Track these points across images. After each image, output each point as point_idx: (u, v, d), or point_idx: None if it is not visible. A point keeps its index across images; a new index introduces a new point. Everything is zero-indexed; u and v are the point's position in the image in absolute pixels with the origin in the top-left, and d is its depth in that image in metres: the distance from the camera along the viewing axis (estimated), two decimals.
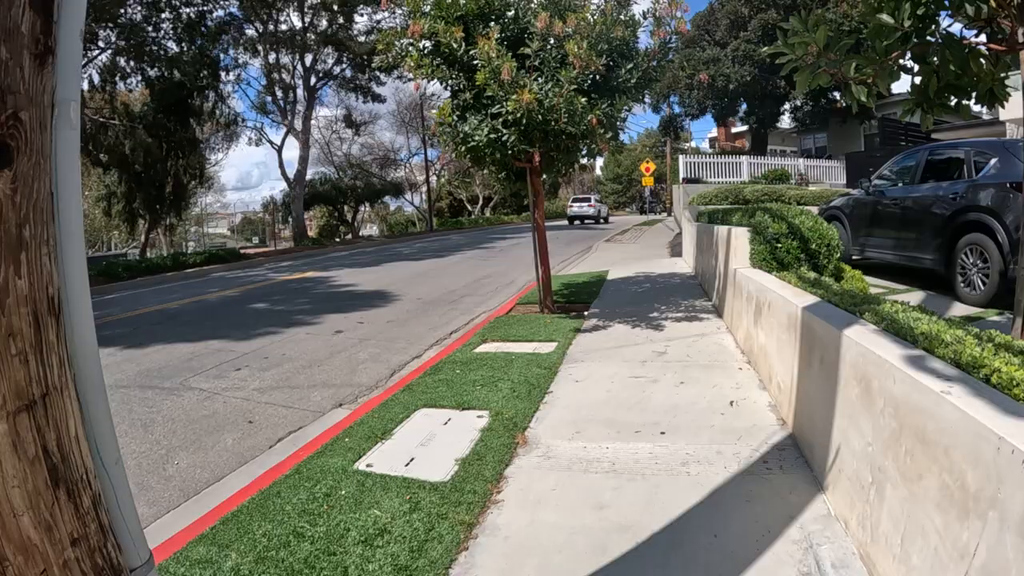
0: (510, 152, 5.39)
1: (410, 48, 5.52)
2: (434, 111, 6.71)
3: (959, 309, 5.80)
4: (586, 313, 6.28)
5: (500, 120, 5.23)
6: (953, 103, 2.94)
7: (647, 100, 6.02)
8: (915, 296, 6.56)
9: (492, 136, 5.25)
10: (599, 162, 60.75)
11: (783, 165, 20.11)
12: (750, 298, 4.14)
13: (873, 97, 2.85)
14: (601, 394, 3.66)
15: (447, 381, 4.09)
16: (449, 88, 5.70)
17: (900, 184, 7.46)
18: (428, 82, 5.65)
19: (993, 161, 6.18)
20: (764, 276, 4.13)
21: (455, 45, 5.25)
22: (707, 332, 5.05)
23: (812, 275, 3.85)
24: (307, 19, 24.57)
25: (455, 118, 5.55)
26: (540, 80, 5.10)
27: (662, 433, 3.01)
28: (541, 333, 5.41)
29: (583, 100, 4.98)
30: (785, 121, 28.08)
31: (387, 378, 4.70)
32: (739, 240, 4.85)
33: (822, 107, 24.01)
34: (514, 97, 4.93)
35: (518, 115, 4.97)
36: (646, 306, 6.35)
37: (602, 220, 30.02)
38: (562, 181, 50.42)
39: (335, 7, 24.15)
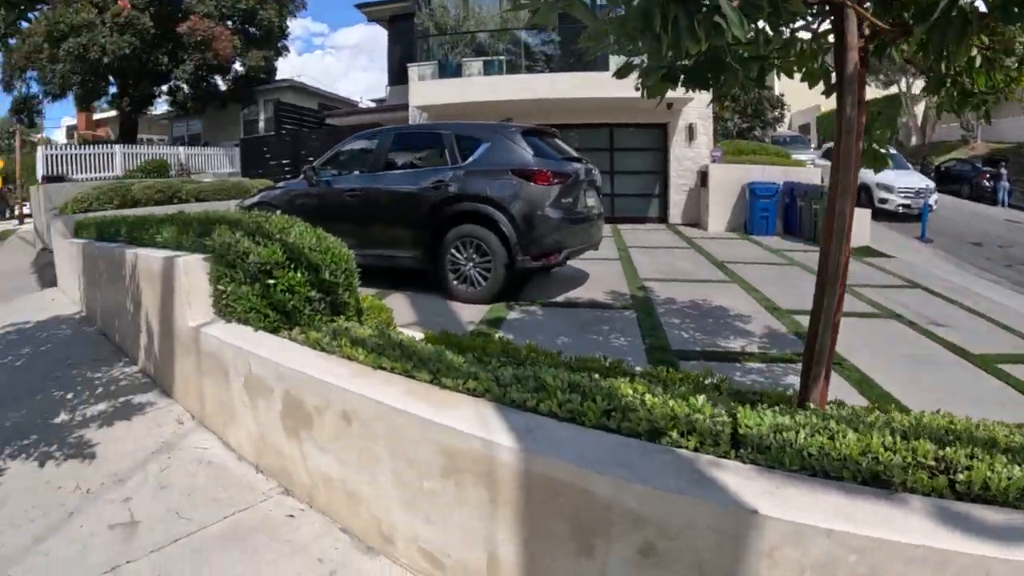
0: None
1: None
2: None
3: (465, 310, 5.27)
4: None
5: None
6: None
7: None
8: (399, 300, 5.64)
9: None
10: None
11: (162, 154, 17.12)
12: (261, 388, 2.56)
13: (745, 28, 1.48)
14: None
15: None
16: None
17: (358, 172, 6.32)
18: None
19: (484, 146, 5.62)
20: (274, 344, 2.66)
21: None
22: (170, 439, 3.02)
23: (368, 331, 2.64)
24: None
25: None
26: None
27: None
28: None
29: None
30: (161, 105, 24.16)
31: None
32: (192, 277, 3.12)
33: (203, 90, 21.39)
34: None
35: None
36: (42, 398, 3.56)
37: None
38: None
39: None
